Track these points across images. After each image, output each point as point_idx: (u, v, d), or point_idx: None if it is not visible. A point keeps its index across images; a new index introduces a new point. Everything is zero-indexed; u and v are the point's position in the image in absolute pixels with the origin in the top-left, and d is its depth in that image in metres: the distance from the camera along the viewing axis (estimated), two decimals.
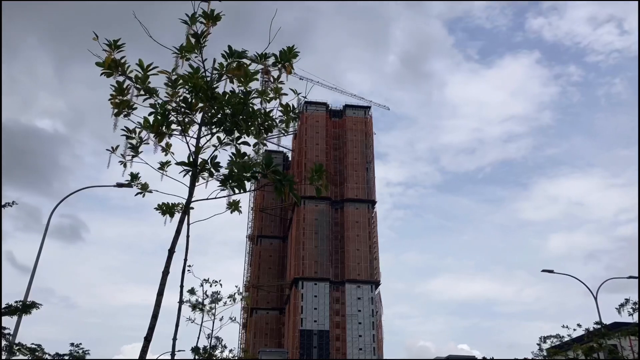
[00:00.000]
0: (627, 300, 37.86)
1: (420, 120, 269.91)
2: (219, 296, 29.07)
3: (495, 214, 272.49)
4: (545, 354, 45.97)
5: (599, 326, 37.96)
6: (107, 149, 7.15)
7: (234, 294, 29.99)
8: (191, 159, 6.92)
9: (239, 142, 6.99)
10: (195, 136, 7.07)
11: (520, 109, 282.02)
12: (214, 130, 7.07)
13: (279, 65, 6.94)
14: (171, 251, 6.65)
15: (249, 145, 6.97)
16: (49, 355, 27.17)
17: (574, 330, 43.04)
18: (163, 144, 7.19)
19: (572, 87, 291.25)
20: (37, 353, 24.95)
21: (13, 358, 22.45)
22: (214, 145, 7.05)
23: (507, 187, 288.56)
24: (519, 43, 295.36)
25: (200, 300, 28.42)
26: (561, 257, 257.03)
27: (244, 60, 6.95)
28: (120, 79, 6.87)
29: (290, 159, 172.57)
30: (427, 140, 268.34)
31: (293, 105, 7.18)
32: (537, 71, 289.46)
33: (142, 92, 6.93)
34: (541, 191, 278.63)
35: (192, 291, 28.30)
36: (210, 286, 28.82)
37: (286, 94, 7.11)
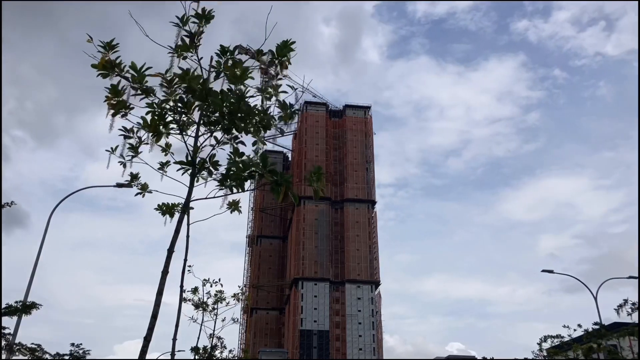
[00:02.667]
0: (625, 301, 37.86)
1: (409, 122, 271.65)
2: (222, 295, 29.07)
3: (485, 215, 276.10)
4: (545, 354, 45.94)
5: (598, 326, 37.96)
6: (106, 150, 7.16)
7: (238, 294, 30.05)
8: (189, 158, 6.92)
9: (236, 141, 6.99)
10: (194, 135, 7.07)
11: (507, 112, 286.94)
12: (212, 129, 7.07)
13: (276, 62, 6.94)
14: (170, 251, 6.64)
15: (245, 145, 6.97)
16: (49, 355, 27.19)
17: (574, 330, 43.06)
18: (162, 143, 7.19)
19: (558, 90, 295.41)
20: (37, 353, 24.97)
21: (13, 358, 22.46)
22: (211, 145, 7.05)
23: (496, 188, 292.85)
24: (504, 46, 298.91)
25: (202, 299, 28.41)
26: (550, 258, 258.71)
27: (240, 57, 6.96)
28: (116, 80, 6.88)
29: (290, 159, 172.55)
30: (416, 142, 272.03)
31: (291, 103, 7.17)
32: (523, 74, 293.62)
33: (139, 92, 6.93)
34: (530, 192, 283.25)
35: (194, 290, 28.30)
36: (211, 286, 28.82)
37: (285, 92, 7.11)
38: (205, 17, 6.92)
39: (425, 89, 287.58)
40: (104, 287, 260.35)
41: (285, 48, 6.83)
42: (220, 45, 6.91)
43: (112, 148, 7.15)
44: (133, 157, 7.17)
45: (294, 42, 6.84)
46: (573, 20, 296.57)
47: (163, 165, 7.24)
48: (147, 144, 7.12)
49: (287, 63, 6.93)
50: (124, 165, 7.18)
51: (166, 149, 7.20)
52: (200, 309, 28.10)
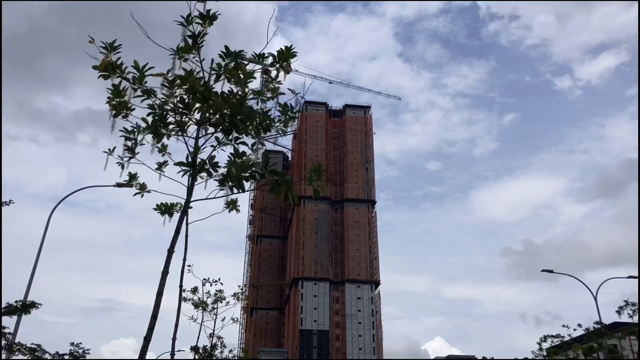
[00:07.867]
0: (626, 303, 37.92)
1: (386, 125, 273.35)
2: (222, 294, 29.08)
3: (468, 215, 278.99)
4: (545, 353, 45.96)
5: (599, 326, 37.99)
6: (104, 151, 7.17)
7: (238, 293, 30.07)
8: (189, 159, 6.92)
9: (237, 142, 6.99)
10: (194, 136, 7.08)
11: (483, 115, 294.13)
12: (212, 131, 7.08)
13: (277, 66, 6.94)
14: (170, 251, 6.65)
15: (247, 145, 6.97)
16: (49, 354, 27.19)
17: (574, 330, 43.12)
18: (160, 144, 7.20)
19: (530, 94, 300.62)
20: (37, 353, 24.97)
21: (13, 358, 22.47)
22: (212, 146, 7.06)
23: (476, 190, 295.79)
24: (475, 50, 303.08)
25: (202, 299, 28.39)
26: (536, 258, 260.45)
27: (242, 60, 6.96)
28: (117, 80, 6.87)
29: (290, 158, 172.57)
30: (394, 145, 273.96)
31: (291, 105, 7.18)
32: (495, 80, 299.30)
33: (139, 93, 6.93)
34: (509, 194, 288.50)
35: (194, 290, 28.29)
36: (211, 285, 28.81)
37: (283, 94, 7.11)
38: (209, 18, 6.91)
39: (401, 92, 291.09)
40: (88, 286, 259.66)
41: (287, 53, 6.83)
42: (225, 46, 6.91)
43: (109, 149, 7.17)
44: (131, 158, 7.18)
45: (295, 50, 6.85)
46: (542, 25, 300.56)
47: (160, 166, 7.25)
48: (143, 144, 7.13)
49: (289, 68, 6.93)
50: (122, 167, 7.20)
51: (163, 149, 7.21)
52: (200, 308, 28.08)
